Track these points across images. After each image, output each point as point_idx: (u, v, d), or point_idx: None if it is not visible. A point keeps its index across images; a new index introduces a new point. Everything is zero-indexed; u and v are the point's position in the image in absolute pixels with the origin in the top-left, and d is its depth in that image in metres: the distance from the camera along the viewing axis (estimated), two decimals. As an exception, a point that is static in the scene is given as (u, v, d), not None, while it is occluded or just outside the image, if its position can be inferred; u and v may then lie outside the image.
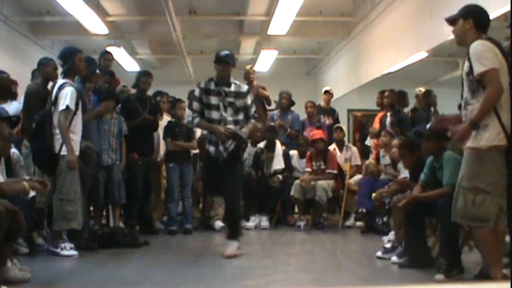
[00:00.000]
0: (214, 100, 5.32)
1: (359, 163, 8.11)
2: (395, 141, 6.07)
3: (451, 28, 3.99)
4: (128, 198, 6.50)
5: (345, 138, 8.68)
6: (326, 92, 9.29)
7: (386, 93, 7.71)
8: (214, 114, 5.32)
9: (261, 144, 7.90)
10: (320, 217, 7.59)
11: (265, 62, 12.37)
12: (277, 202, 7.86)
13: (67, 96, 5.02)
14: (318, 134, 7.81)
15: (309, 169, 7.59)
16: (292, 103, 8.64)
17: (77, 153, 5.13)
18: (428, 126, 4.82)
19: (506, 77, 3.70)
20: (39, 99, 5.60)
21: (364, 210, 6.84)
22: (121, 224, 6.63)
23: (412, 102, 8.40)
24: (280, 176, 7.74)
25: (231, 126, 5.27)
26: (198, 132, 7.20)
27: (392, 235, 5.34)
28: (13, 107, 5.61)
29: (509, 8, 4.87)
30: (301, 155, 7.93)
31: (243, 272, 4.55)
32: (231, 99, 5.33)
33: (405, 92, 8.20)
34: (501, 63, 3.69)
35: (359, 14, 10.11)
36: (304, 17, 9.65)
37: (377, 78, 9.56)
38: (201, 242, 6.58)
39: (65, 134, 4.99)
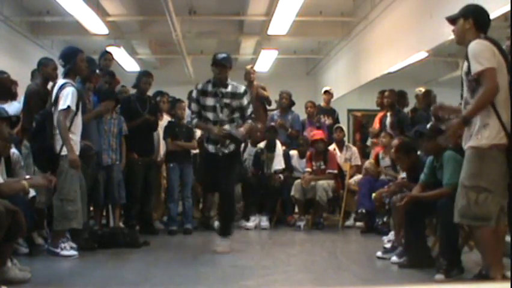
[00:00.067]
0: (210, 101, 5.37)
1: (359, 163, 8.10)
2: (395, 141, 6.07)
3: (450, 28, 4.00)
4: (128, 198, 6.51)
5: (345, 138, 8.67)
6: (326, 92, 9.29)
7: (386, 93, 7.70)
8: (211, 115, 5.36)
9: (261, 145, 7.90)
10: (320, 217, 7.58)
11: (265, 62, 12.37)
12: (277, 202, 7.85)
13: (68, 96, 5.01)
14: (318, 134, 7.79)
15: (309, 169, 7.58)
16: (293, 103, 8.64)
17: (77, 153, 5.12)
18: (428, 126, 4.81)
19: (505, 76, 3.70)
20: (39, 99, 5.61)
21: (364, 211, 6.85)
22: (121, 224, 6.64)
23: (412, 102, 8.40)
24: (281, 176, 7.75)
25: (226, 127, 5.30)
26: (198, 132, 7.19)
27: (392, 235, 5.35)
28: (13, 107, 5.60)
29: (509, 8, 4.87)
30: (302, 155, 7.92)
31: (243, 272, 4.55)
32: (227, 100, 5.37)
33: (405, 92, 8.20)
34: (499, 62, 3.69)
35: (359, 14, 10.11)
36: (304, 17, 9.65)
37: (377, 78, 9.54)
38: (201, 242, 6.57)
39: (64, 134, 4.98)
